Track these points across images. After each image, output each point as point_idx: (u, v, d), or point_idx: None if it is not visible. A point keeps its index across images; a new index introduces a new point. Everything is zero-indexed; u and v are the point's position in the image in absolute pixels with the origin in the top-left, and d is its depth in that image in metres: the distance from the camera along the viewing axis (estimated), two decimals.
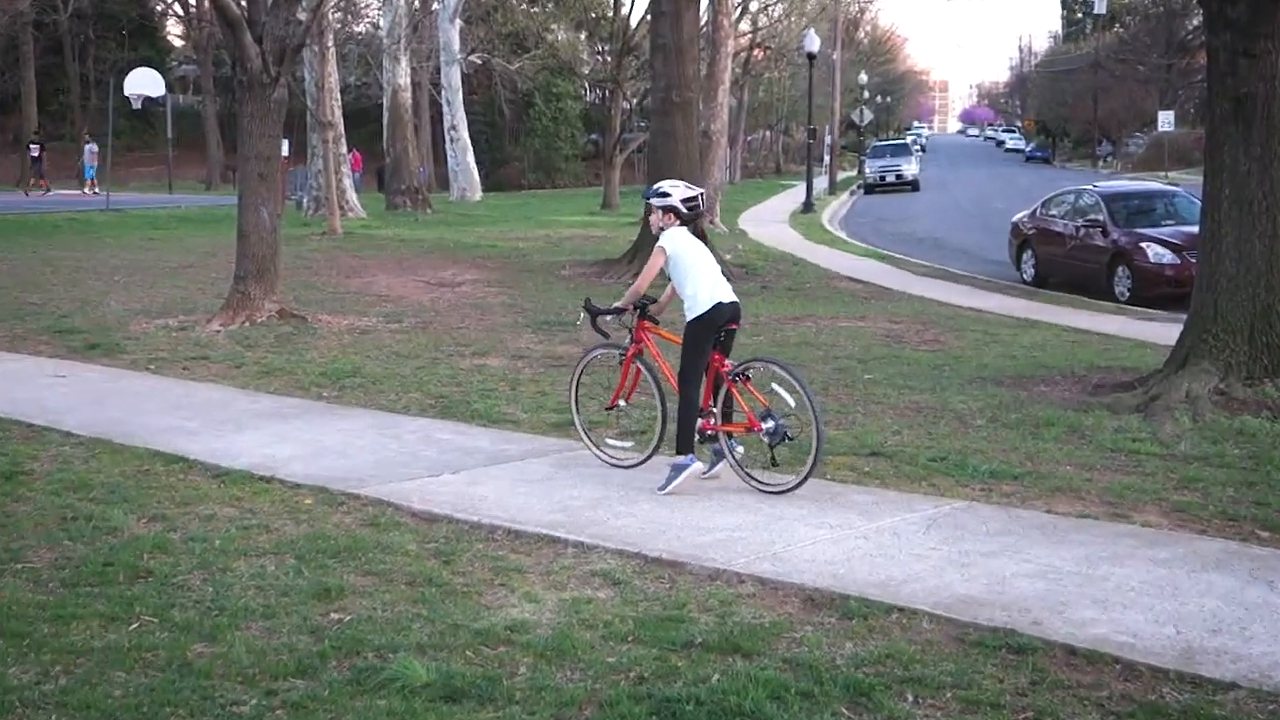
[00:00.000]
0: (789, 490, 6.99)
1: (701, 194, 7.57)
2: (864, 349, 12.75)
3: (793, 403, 6.98)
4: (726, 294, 7.26)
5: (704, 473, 7.35)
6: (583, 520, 6.60)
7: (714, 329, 7.23)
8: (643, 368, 7.64)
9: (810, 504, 6.85)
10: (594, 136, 68.22)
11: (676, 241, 7.30)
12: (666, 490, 7.11)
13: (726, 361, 7.29)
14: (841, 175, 63.30)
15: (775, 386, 7.07)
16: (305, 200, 35.50)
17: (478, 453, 8.17)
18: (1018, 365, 11.72)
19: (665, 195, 7.41)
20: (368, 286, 18.57)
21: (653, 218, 7.50)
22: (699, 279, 7.21)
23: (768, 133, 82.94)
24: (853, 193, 54.02)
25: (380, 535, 6.37)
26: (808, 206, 39.52)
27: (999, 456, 8.06)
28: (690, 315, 7.23)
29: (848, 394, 10.26)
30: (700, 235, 7.43)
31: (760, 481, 7.15)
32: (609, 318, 7.71)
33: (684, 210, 7.36)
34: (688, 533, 6.37)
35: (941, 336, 13.81)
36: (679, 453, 7.20)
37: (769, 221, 34.87)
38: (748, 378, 7.23)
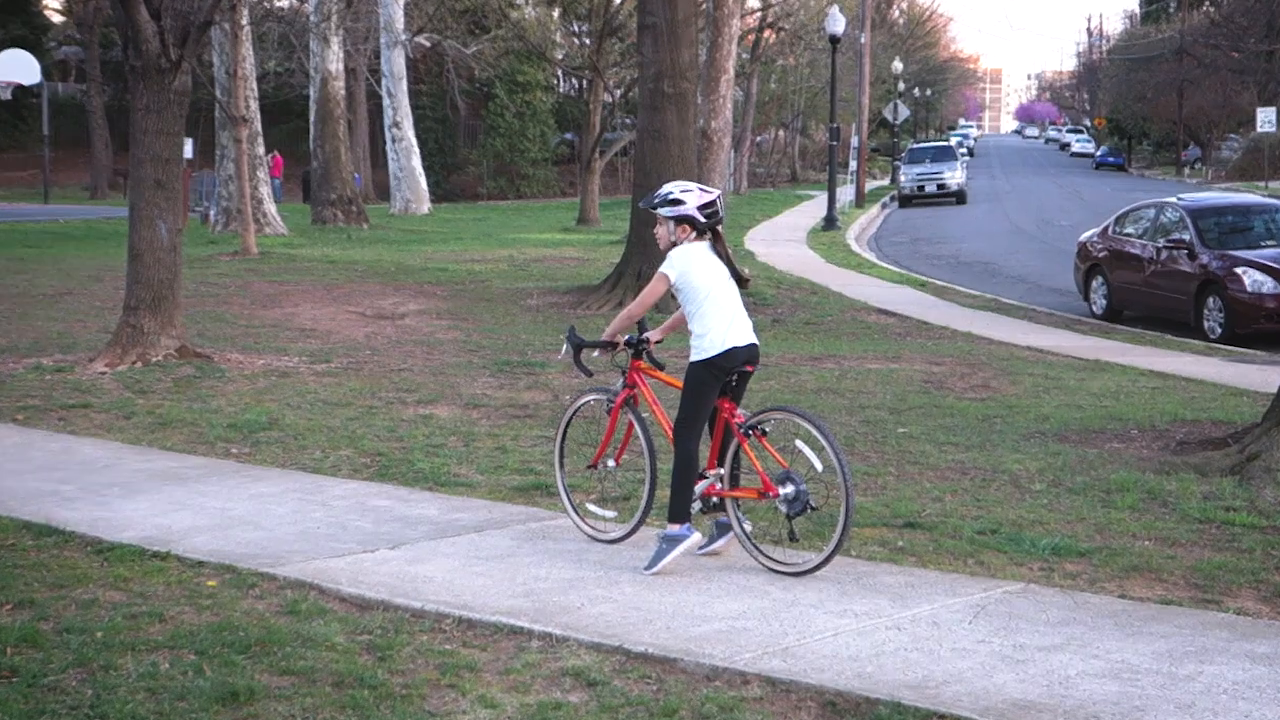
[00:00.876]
0: (810, 571, 7.00)
1: (720, 196, 7.42)
2: (898, 397, 12.80)
3: (819, 465, 6.94)
4: (743, 334, 7.22)
5: (702, 547, 7.35)
6: (551, 607, 6.60)
7: (723, 374, 7.20)
8: (634, 420, 7.64)
9: (831, 586, 6.87)
10: (568, 136, 68.57)
11: (686, 262, 7.20)
12: (654, 569, 7.11)
13: (739, 411, 7.27)
14: (871, 184, 63.63)
15: (799, 444, 7.04)
16: (213, 213, 35.59)
17: (422, 523, 8.18)
18: (1085, 417, 11.77)
19: (678, 203, 7.27)
20: (289, 318, 18.60)
21: (660, 231, 7.40)
22: (710, 315, 7.16)
23: (781, 132, 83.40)
24: (884, 205, 54.37)
25: (301, 625, 6.36)
26: (829, 222, 39.75)
27: (1062, 529, 8.09)
28: (695, 356, 7.19)
29: (877, 452, 10.30)
30: (725, 257, 7.30)
31: (775, 560, 7.14)
32: (596, 352, 7.70)
33: (701, 219, 7.27)
34: (680, 622, 6.37)
35: (992, 382, 13.88)
36: (671, 521, 7.19)
37: (782, 240, 35.05)
38: (764, 432, 7.20)
